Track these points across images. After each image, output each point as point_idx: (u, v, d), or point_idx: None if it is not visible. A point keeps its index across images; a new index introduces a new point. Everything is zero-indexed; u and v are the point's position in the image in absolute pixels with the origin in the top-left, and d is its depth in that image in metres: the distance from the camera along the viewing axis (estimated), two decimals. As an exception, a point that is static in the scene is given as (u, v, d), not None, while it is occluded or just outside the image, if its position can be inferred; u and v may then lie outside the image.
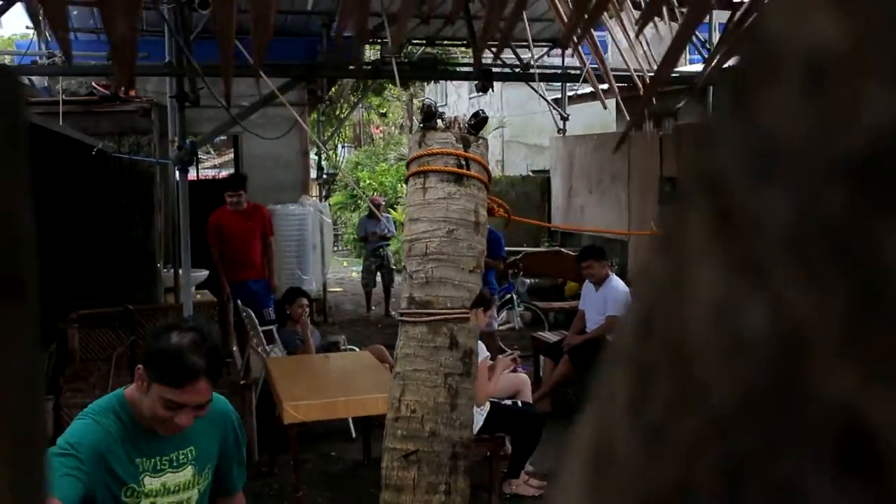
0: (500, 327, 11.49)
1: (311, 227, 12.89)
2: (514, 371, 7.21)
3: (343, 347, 8.61)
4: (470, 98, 24.42)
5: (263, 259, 9.76)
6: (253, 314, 8.41)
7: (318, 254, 13.28)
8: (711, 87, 10.94)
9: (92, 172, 8.06)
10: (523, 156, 21.05)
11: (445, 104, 26.60)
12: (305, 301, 8.11)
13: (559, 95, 16.59)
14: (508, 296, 11.31)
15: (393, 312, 13.57)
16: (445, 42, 14.84)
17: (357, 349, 8.81)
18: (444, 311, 2.94)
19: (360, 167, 27.52)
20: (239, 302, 8.87)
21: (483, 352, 6.16)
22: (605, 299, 8.38)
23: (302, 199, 12.96)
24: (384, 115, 36.01)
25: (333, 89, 15.26)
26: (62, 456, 2.42)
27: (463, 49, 15.98)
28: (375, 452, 7.27)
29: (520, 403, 6.66)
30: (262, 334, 8.22)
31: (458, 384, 2.93)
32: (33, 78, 10.50)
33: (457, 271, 2.97)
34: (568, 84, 19.97)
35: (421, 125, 3.12)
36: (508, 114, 21.13)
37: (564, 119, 14.80)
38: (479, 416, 6.16)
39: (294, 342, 7.99)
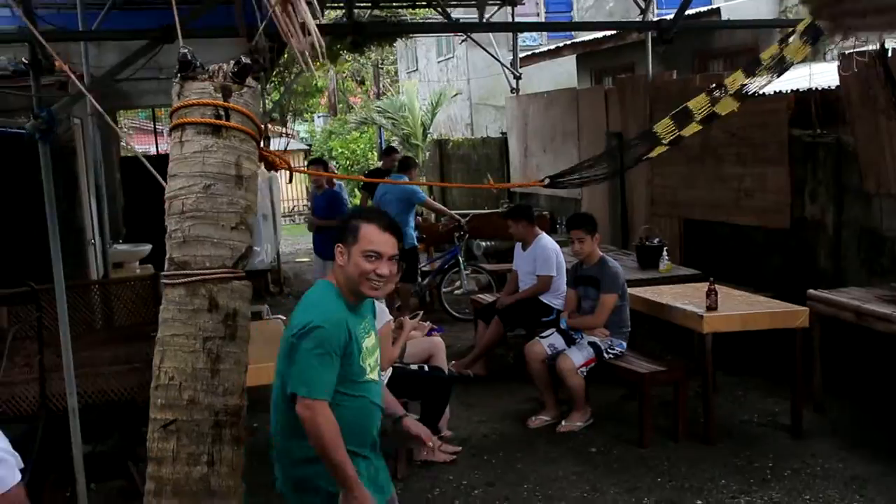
0: (449, 291, 11.33)
1: (259, 198, 12.66)
2: (430, 334, 7.04)
3: (266, 317, 8.44)
4: (438, 62, 24.12)
5: None
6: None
7: (269, 224, 13.09)
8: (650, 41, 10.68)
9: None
10: (493, 118, 20.77)
11: (416, 69, 26.30)
12: None
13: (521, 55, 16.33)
14: (453, 259, 11.12)
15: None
16: (394, 4, 14.59)
17: (283, 318, 8.65)
18: (202, 271, 2.75)
19: (333, 136, 27.33)
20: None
21: (384, 316, 5.99)
22: (535, 258, 8.20)
23: (249, 169, 12.72)
24: (361, 82, 35.73)
25: (284, 56, 14.94)
26: (335, 350, 3.13)
27: (410, 10, 15.68)
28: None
29: (426, 368, 6.48)
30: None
31: (220, 348, 2.75)
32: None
33: (216, 229, 2.78)
34: (524, 44, 19.74)
35: (176, 75, 2.92)
36: (475, 76, 20.83)
37: (517, 78, 14.53)
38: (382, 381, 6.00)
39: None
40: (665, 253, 8.46)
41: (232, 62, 2.95)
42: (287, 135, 15.53)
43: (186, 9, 9.31)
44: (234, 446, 2.79)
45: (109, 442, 6.06)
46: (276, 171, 3.51)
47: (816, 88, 8.15)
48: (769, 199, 8.55)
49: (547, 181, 6.27)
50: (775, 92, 8.85)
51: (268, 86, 17.11)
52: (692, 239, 9.98)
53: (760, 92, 8.96)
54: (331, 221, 10.45)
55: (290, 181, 9.30)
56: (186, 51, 2.88)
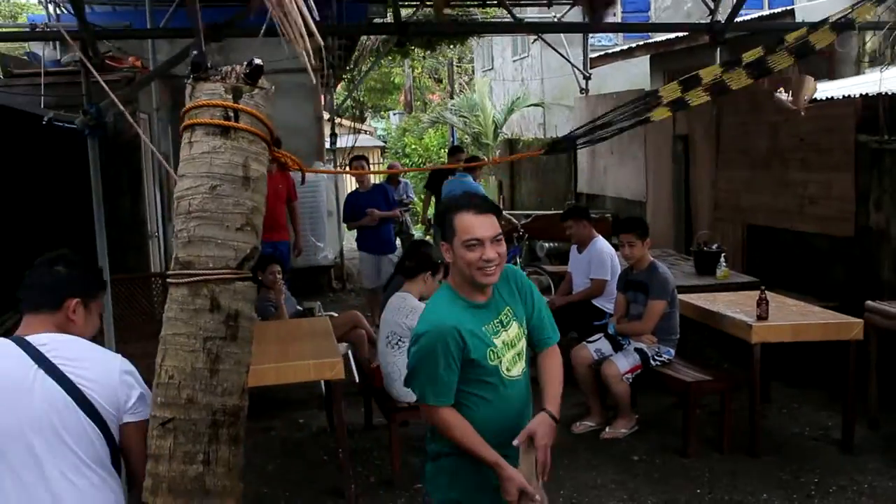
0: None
1: (324, 194, 12.81)
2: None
3: (318, 314, 8.50)
4: (514, 61, 24.05)
5: (288, 222, 9.99)
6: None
7: (334, 221, 13.19)
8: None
9: (67, 145, 8.00)
10: (565, 118, 20.62)
11: (492, 67, 26.27)
12: (277, 268, 8.00)
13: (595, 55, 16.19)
14: (512, 261, 11.07)
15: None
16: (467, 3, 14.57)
17: (335, 314, 8.72)
18: (205, 271, 2.77)
19: (407, 133, 27.46)
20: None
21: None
22: (590, 261, 8.12)
23: (315, 164, 12.86)
24: (439, 80, 35.82)
25: (355, 53, 15.08)
26: (443, 356, 3.12)
27: (481, 10, 15.64)
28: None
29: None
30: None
31: (220, 349, 2.76)
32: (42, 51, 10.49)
33: (221, 229, 2.79)
34: (600, 43, 19.55)
35: (189, 76, 2.94)
36: (548, 75, 20.71)
37: (587, 78, 14.38)
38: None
39: (267, 309, 7.90)
40: (723, 259, 8.29)
41: (245, 63, 2.97)
42: (357, 130, 15.59)
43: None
44: (231, 446, 2.80)
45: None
46: (288, 170, 3.53)
47: (885, 93, 7.91)
48: (833, 207, 8.34)
49: (544, 151, 6.29)
50: (844, 96, 8.64)
51: (340, 82, 17.25)
52: (755, 245, 9.79)
53: (827, 96, 8.81)
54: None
55: (304, 182, 9.40)
56: (196, 52, 2.90)
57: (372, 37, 14.47)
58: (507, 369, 3.21)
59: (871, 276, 7.94)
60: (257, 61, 2.91)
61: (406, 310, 5.98)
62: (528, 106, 20.44)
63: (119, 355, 2.89)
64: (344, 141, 14.97)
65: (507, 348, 3.21)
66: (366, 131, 34.73)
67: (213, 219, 2.80)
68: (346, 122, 17.31)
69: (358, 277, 14.08)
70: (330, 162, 13.45)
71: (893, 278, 7.73)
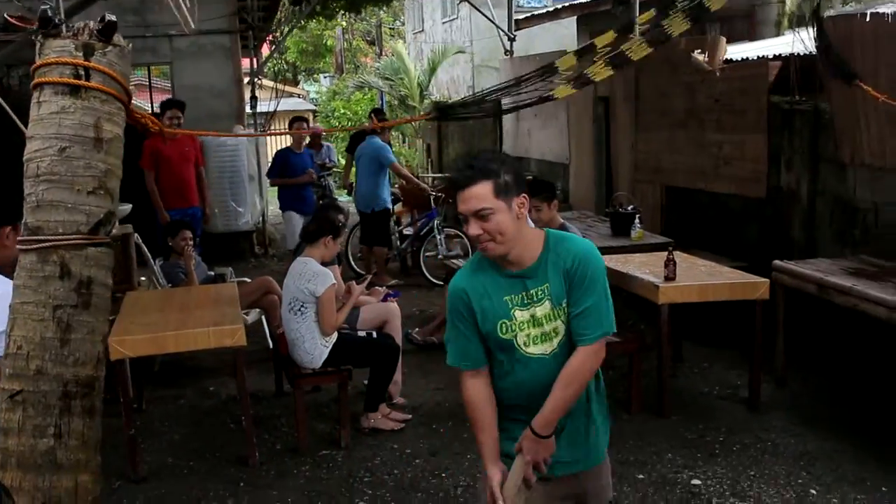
0: (434, 255, 11.18)
1: (245, 158, 12.59)
2: (385, 300, 6.94)
3: (230, 280, 8.35)
4: (443, 23, 23.84)
5: (198, 187, 9.77)
6: (145, 248, 8.15)
7: (255, 185, 12.98)
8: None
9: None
10: (494, 80, 20.49)
11: (422, 30, 26.03)
12: (188, 233, 7.84)
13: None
14: (430, 224, 10.98)
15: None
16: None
17: (248, 280, 8.58)
18: (54, 237, 2.64)
19: (337, 97, 27.16)
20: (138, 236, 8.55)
21: (328, 280, 5.90)
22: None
23: (236, 128, 12.62)
24: (372, 43, 35.43)
25: (278, 15, 14.79)
26: (457, 319, 3.06)
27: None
28: (253, 386, 7.09)
29: (374, 335, 6.38)
30: (156, 267, 7.99)
31: (71, 317, 2.65)
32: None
33: (71, 193, 2.67)
34: (529, 4, 19.47)
35: (37, 32, 2.80)
36: (477, 37, 20.56)
37: (511, 39, 14.32)
38: (324, 347, 5.94)
39: (177, 275, 7.75)
40: (637, 220, 8.29)
41: (98, 19, 2.83)
42: (280, 93, 15.32)
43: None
44: (85, 418, 2.70)
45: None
46: (149, 133, 3.39)
47: (797, 54, 7.94)
48: (747, 168, 8.38)
49: (435, 115, 6.21)
50: (758, 57, 8.68)
51: (264, 45, 16.94)
52: (673, 206, 9.83)
53: (743, 57, 8.83)
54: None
55: (165, 142, 9.29)
56: (47, 7, 2.76)
57: (292, -3, 14.17)
58: (525, 345, 3.03)
59: (783, 235, 8.02)
60: (111, 17, 2.76)
61: (308, 275, 5.88)
62: (449, 58, 20.26)
63: None
64: (264, 106, 14.71)
65: (530, 325, 3.01)
66: (298, 94, 34.31)
67: (63, 182, 2.67)
68: (269, 84, 17.00)
69: (281, 242, 13.92)
70: (251, 126, 13.20)
71: (803, 238, 7.80)
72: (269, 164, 11.41)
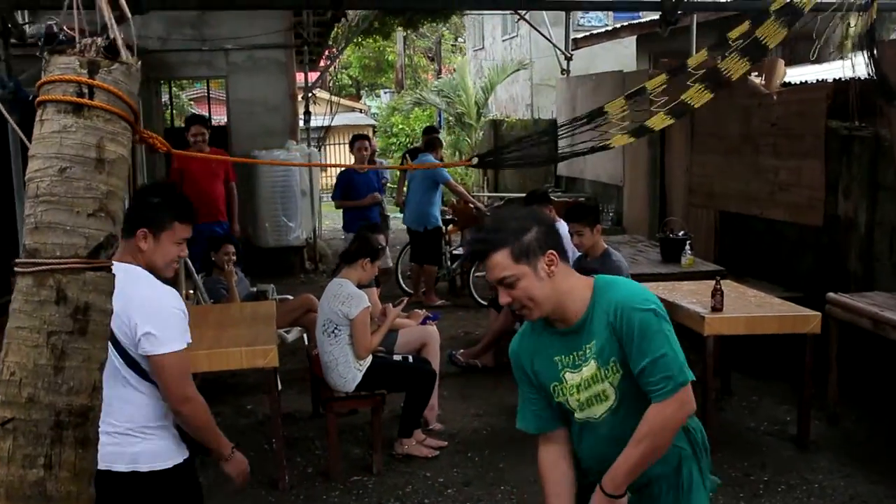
0: (483, 275, 10.99)
1: (297, 173, 12.59)
2: (424, 323, 6.82)
3: (272, 297, 8.30)
4: (503, 40, 23.76)
5: (226, 203, 9.69)
6: (190, 263, 8.12)
7: (307, 200, 12.98)
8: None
9: None
10: (553, 99, 20.37)
11: (482, 47, 25.98)
12: (231, 248, 7.79)
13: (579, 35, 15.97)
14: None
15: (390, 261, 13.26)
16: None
17: (290, 297, 8.52)
18: (51, 260, 2.55)
19: (396, 112, 27.20)
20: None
21: (363, 302, 5.79)
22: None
23: (288, 144, 12.64)
24: (432, 59, 35.50)
25: (336, 30, 14.81)
26: (520, 381, 2.97)
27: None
28: (291, 406, 7.02)
29: (410, 359, 6.26)
30: (199, 282, 7.96)
31: (66, 344, 2.54)
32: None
33: (70, 215, 2.57)
34: (589, 24, 19.29)
35: (42, 48, 2.72)
36: (537, 56, 20.43)
37: (568, 59, 14.15)
38: (358, 371, 5.83)
39: (218, 291, 7.70)
40: (688, 246, 8.07)
41: (104, 36, 2.74)
42: (335, 108, 15.32)
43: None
44: (77, 449, 2.58)
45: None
46: (157, 152, 3.31)
47: (857, 78, 7.67)
48: (803, 194, 8.11)
49: (475, 161, 6.05)
50: (817, 81, 8.43)
51: (322, 60, 16.99)
52: (727, 232, 9.58)
53: (801, 80, 8.58)
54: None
55: (175, 165, 9.24)
56: (53, 23, 2.68)
57: (350, 15, 14.17)
58: (580, 408, 2.84)
59: (839, 266, 7.74)
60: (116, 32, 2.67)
61: (342, 296, 5.78)
62: (508, 77, 20.13)
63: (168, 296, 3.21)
64: (324, 120, 14.73)
65: (577, 389, 2.82)
66: (359, 109, 34.47)
67: (62, 203, 2.57)
68: (324, 98, 17.02)
69: (333, 258, 13.87)
70: (304, 141, 13.21)
71: (860, 269, 7.52)
72: (334, 185, 11.22)
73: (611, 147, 5.43)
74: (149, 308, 3.13)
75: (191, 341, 3.27)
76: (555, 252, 2.76)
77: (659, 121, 5.22)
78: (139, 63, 2.88)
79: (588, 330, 2.78)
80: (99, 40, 2.77)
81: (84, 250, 2.58)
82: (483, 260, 2.77)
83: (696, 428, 2.96)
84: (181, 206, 3.33)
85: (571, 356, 2.82)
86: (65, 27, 2.84)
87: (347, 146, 12.51)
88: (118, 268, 2.81)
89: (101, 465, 2.90)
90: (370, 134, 28.69)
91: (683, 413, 2.74)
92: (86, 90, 2.62)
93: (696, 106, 5.15)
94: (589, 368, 2.78)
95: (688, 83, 5.20)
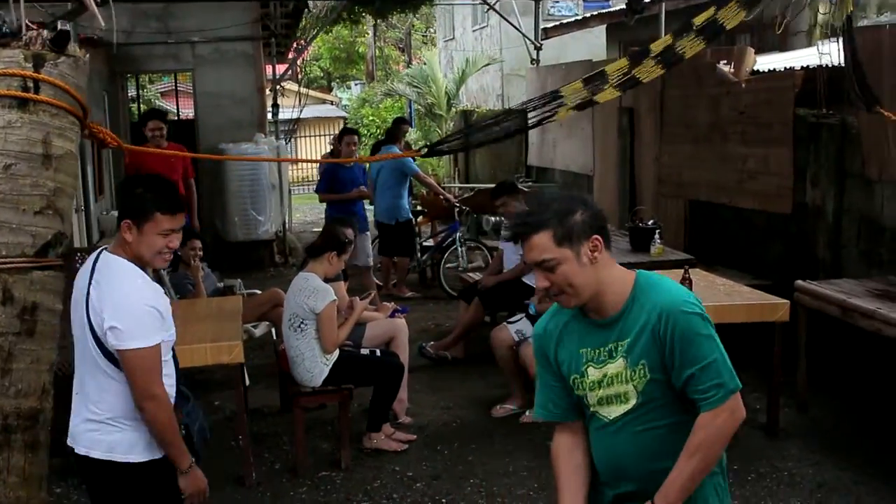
0: (455, 267, 10.97)
1: (266, 167, 12.48)
2: (392, 316, 6.77)
3: (238, 291, 8.21)
4: (473, 31, 23.69)
5: (184, 199, 9.48)
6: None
7: (276, 194, 12.87)
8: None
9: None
10: (523, 89, 20.32)
11: (453, 37, 25.89)
12: (198, 243, 7.69)
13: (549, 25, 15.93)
14: (452, 237, 10.79)
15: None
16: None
17: (258, 292, 8.44)
18: (-4, 260, 2.49)
19: (366, 104, 27.09)
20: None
21: (328, 296, 5.73)
22: (521, 238, 7.86)
23: (256, 137, 12.52)
24: (402, 50, 35.37)
25: (303, 21, 14.69)
26: (540, 364, 2.84)
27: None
28: (259, 401, 6.95)
29: (378, 353, 6.20)
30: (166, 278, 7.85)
31: (14, 345, 2.50)
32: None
33: (16, 213, 2.52)
34: (560, 13, 19.27)
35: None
36: (507, 45, 20.38)
37: (538, 48, 14.11)
38: (325, 365, 5.77)
39: (185, 287, 7.59)
40: (657, 236, 8.05)
41: (51, 28, 2.67)
42: (303, 100, 15.21)
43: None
44: (27, 453, 2.54)
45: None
46: (107, 147, 3.24)
47: (826, 65, 7.67)
48: (772, 183, 8.12)
49: (425, 151, 6.02)
50: (785, 69, 8.43)
51: (290, 52, 16.86)
52: (697, 221, 9.58)
53: (769, 69, 8.58)
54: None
55: (128, 159, 9.08)
56: (1, 14, 2.61)
57: (319, 6, 14.08)
58: (599, 405, 2.69)
59: (807, 254, 7.75)
60: (64, 26, 2.60)
61: (308, 290, 5.72)
62: (479, 70, 20.07)
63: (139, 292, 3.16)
64: (293, 112, 14.62)
65: (598, 385, 2.66)
66: (330, 101, 34.30)
67: (7, 201, 2.52)
68: (294, 90, 16.90)
69: (302, 251, 13.78)
70: (272, 134, 13.10)
71: (829, 257, 7.54)
72: (318, 179, 10.98)
73: (553, 120, 5.42)
74: (118, 302, 3.10)
75: (169, 339, 3.26)
76: (600, 238, 2.60)
77: (605, 94, 5.21)
78: (87, 56, 2.81)
79: (623, 326, 2.63)
80: (45, 32, 2.70)
81: (31, 249, 2.53)
82: (524, 240, 2.60)
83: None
84: (164, 197, 3.24)
85: (598, 350, 2.67)
86: (15, 18, 2.77)
87: (323, 139, 12.38)
88: (104, 260, 3.02)
89: (81, 450, 3.03)
90: (341, 126, 28.63)
91: (735, 421, 2.58)
92: (31, 84, 2.56)
93: (644, 80, 5.15)
94: (615, 366, 2.63)
95: (642, 61, 5.20)
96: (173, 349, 3.38)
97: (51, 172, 2.55)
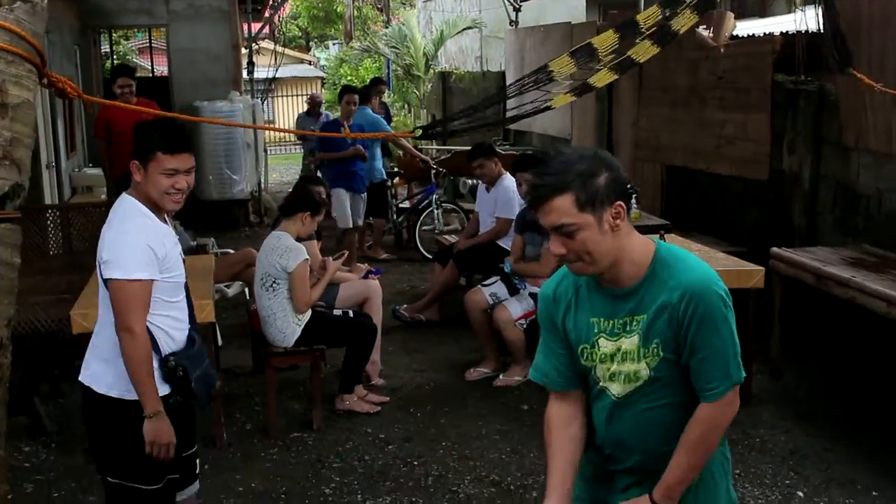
0: (431, 229, 10.89)
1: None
2: (366, 277, 6.70)
3: (211, 251, 8.13)
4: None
5: None
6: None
7: (251, 153, 12.74)
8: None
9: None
10: (502, 51, 20.15)
11: (432, -2, 25.64)
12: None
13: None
14: (429, 198, 10.72)
15: (334, 215, 13.07)
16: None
17: (232, 251, 8.37)
18: (-50, 212, 2.40)
19: (344, 64, 26.84)
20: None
21: (301, 255, 5.66)
22: (496, 200, 7.82)
23: (231, 95, 12.36)
24: (381, 10, 34.96)
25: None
26: (544, 327, 2.68)
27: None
28: (231, 361, 6.89)
29: (351, 314, 6.15)
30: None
31: (-30, 301, 2.40)
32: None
33: (-30, 164, 2.42)
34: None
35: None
36: (487, 7, 20.18)
37: (517, 9, 13.98)
38: (297, 326, 5.71)
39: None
40: (634, 200, 7.95)
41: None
42: (278, 58, 15.03)
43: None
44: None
45: (14, 376, 5.80)
46: (67, 98, 3.14)
47: (804, 31, 7.61)
48: (749, 149, 8.07)
49: (419, 133, 5.95)
50: (764, 34, 8.37)
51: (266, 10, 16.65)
52: (674, 187, 9.55)
53: (749, 34, 8.51)
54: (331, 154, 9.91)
55: (91, 111, 8.95)
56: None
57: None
58: (608, 380, 2.56)
59: (784, 221, 7.74)
60: (22, -31, 2.50)
61: (280, 249, 5.64)
62: (459, 32, 19.88)
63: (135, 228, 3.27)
64: (279, 71, 14.42)
65: (610, 359, 2.53)
66: (308, 61, 33.96)
67: (-39, 151, 2.41)
68: (270, 49, 16.70)
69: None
70: (248, 92, 12.93)
71: (804, 224, 7.53)
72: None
73: (552, 108, 5.32)
74: (112, 237, 3.24)
75: (171, 280, 3.35)
76: (623, 204, 2.42)
77: (602, 77, 5.11)
78: (45, 1, 2.71)
79: (640, 300, 2.48)
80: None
81: (-15, 201, 2.43)
82: (543, 204, 2.41)
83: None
84: (165, 137, 3.29)
85: (612, 322, 2.52)
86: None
87: (299, 99, 12.19)
88: (118, 201, 3.33)
89: (82, 378, 3.36)
90: (318, 86, 28.39)
91: (732, 413, 2.50)
92: (-15, 29, 2.46)
93: (641, 61, 5.05)
94: (630, 342, 2.49)
95: (636, 40, 5.10)
96: (188, 294, 3.52)
97: (6, 122, 2.45)
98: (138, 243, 3.20)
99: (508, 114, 5.99)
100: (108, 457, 3.39)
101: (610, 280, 2.50)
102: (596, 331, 2.53)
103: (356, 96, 10.01)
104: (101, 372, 3.33)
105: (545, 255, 6.33)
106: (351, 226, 9.79)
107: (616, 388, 2.55)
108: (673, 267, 2.46)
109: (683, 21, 5.01)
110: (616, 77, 5.18)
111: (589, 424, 2.67)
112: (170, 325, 3.37)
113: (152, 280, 3.23)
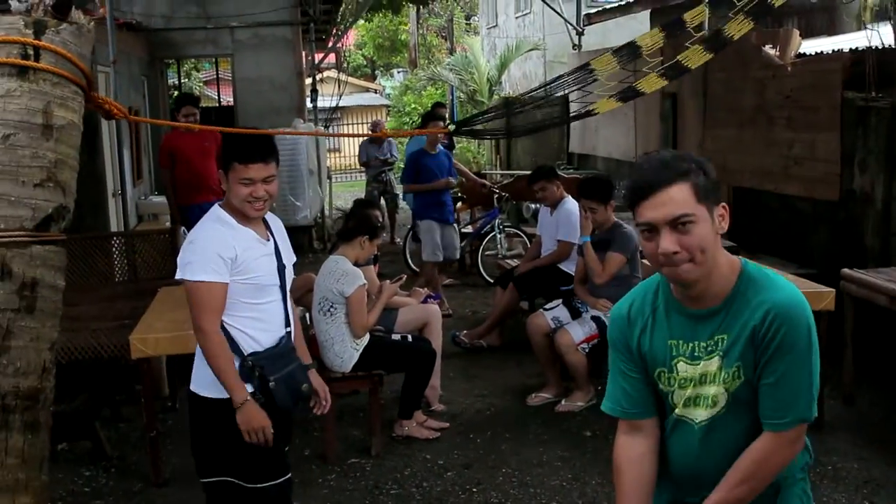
0: (494, 254, 10.79)
1: (304, 152, 12.41)
2: (425, 301, 6.64)
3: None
4: (516, 17, 23.47)
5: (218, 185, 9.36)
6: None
7: (315, 179, 12.81)
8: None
9: None
10: (567, 76, 20.08)
11: (496, 24, 25.68)
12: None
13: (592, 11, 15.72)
14: (492, 222, 10.63)
15: (398, 240, 13.08)
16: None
17: (294, 277, 8.34)
18: (-6, 234, 2.39)
19: (409, 91, 27.00)
20: (183, 229, 8.44)
21: (358, 280, 5.62)
22: (558, 223, 7.71)
23: (295, 122, 12.46)
24: (445, 38, 35.22)
25: (342, 8, 14.60)
26: (615, 351, 2.47)
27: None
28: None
29: (409, 338, 6.08)
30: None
31: (12, 322, 2.39)
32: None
33: (15, 185, 2.42)
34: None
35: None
36: (550, 32, 20.14)
37: (579, 33, 13.90)
38: (355, 350, 5.67)
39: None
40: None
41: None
42: (342, 87, 15.12)
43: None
44: (27, 434, 2.44)
45: (77, 401, 5.85)
46: (114, 119, 3.13)
47: (875, 48, 7.42)
48: (818, 168, 7.87)
49: (453, 128, 5.84)
50: (833, 51, 8.18)
51: (331, 40, 16.80)
52: (741, 208, 9.34)
53: (816, 51, 8.32)
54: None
55: (164, 145, 8.96)
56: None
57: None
58: (684, 406, 2.39)
59: (855, 241, 7.51)
60: (67, -9, 2.50)
61: (338, 274, 5.61)
62: (522, 55, 19.85)
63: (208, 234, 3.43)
64: (345, 100, 14.52)
65: (690, 384, 2.36)
66: (374, 90, 34.24)
67: (6, 173, 2.41)
68: (334, 78, 16.82)
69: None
70: (311, 121, 13.02)
71: (877, 245, 7.29)
72: (403, 168, 10.48)
73: (595, 113, 5.22)
74: (187, 241, 3.43)
75: (246, 282, 3.45)
76: (725, 205, 2.26)
77: (650, 83, 5.00)
78: (91, 23, 2.70)
79: (724, 321, 2.29)
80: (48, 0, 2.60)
81: (30, 222, 2.43)
82: (657, 190, 2.18)
83: (801, 458, 2.48)
84: (241, 147, 3.45)
85: (692, 345, 2.34)
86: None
87: (365, 127, 12.15)
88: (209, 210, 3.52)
89: (191, 388, 3.55)
90: (383, 114, 28.56)
91: (791, 453, 2.32)
92: (31, 52, 2.46)
93: (692, 67, 4.93)
94: (711, 364, 2.31)
95: (686, 44, 4.98)
96: (284, 298, 3.69)
97: (52, 143, 2.44)
98: (206, 248, 3.33)
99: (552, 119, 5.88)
100: (211, 456, 3.53)
101: (696, 296, 2.31)
102: (674, 354, 2.36)
103: (441, 123, 9.65)
104: (201, 375, 3.50)
105: (606, 263, 6.21)
106: (440, 259, 9.45)
107: (695, 415, 2.37)
108: (759, 287, 2.28)
109: (738, 27, 4.88)
110: (666, 83, 5.06)
111: (661, 454, 2.50)
112: (252, 327, 3.50)
113: (221, 283, 3.34)
